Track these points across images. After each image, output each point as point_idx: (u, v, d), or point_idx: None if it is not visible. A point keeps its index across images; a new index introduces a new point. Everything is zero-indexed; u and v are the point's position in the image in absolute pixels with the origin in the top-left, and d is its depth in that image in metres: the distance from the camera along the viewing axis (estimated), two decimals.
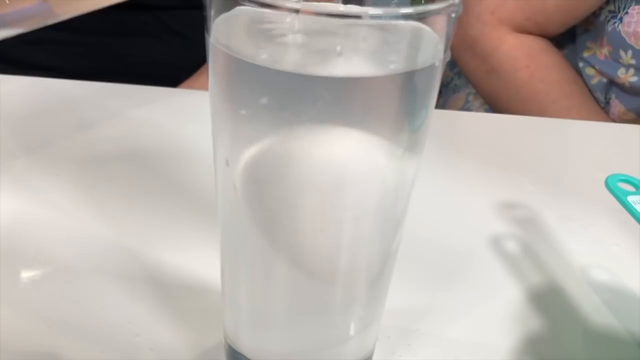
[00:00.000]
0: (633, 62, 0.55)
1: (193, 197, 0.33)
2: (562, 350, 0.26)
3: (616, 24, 0.54)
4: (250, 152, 0.18)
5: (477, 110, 0.65)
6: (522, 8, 0.57)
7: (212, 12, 0.17)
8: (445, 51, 0.18)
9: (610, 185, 0.28)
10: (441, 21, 0.17)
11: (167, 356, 0.23)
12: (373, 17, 0.16)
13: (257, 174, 0.18)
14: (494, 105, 0.62)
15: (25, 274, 0.28)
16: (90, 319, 0.25)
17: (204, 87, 0.37)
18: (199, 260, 0.28)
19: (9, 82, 0.45)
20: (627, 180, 0.28)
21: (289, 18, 0.17)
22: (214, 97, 0.18)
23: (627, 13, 0.54)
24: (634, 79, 0.56)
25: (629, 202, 0.27)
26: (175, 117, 0.42)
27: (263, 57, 0.17)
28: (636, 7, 0.53)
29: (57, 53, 0.63)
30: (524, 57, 0.58)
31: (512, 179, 0.38)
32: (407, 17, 0.16)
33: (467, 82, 0.66)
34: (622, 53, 0.55)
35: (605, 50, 0.57)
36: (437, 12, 0.16)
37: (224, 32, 0.17)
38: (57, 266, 0.28)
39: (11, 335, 0.24)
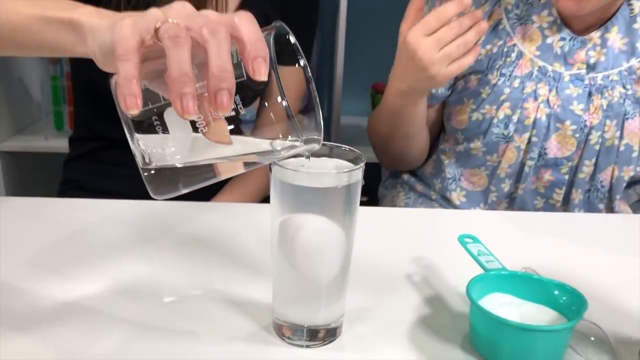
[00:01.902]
0: None
1: (252, 260, 0.56)
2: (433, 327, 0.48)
3: None
4: (277, 223, 0.42)
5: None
6: None
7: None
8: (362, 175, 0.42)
9: (459, 239, 0.52)
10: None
11: (245, 325, 0.46)
12: (338, 172, 0.41)
13: (281, 233, 0.42)
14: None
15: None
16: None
17: (231, 200, 0.63)
18: (262, 277, 0.51)
19: (92, 204, 0.70)
20: (468, 236, 0.52)
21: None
22: (272, 204, 0.43)
23: None
24: None
25: (464, 243, 0.51)
26: (217, 222, 0.66)
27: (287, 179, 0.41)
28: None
29: (121, 183, 0.80)
30: None
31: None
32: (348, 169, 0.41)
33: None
34: None
35: None
36: (358, 168, 0.41)
37: (278, 169, 0.42)
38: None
39: None
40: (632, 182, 0.80)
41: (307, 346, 0.44)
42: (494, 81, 0.76)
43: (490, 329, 0.43)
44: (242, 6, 0.80)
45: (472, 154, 0.79)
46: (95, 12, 0.42)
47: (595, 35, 0.74)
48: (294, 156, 0.41)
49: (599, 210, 0.79)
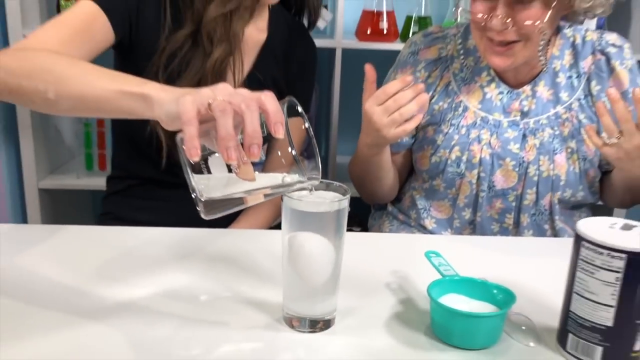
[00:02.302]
0: None
1: (265, 270, 0.71)
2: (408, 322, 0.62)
3: None
4: (286, 238, 0.57)
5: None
6: None
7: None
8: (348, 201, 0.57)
9: (425, 254, 0.67)
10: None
11: (262, 317, 0.60)
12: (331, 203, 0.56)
13: (289, 246, 0.57)
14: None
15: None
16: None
17: (245, 227, 0.80)
18: (274, 283, 0.65)
19: (132, 230, 0.85)
20: (433, 252, 0.67)
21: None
22: (282, 224, 0.58)
23: None
24: None
25: (430, 258, 0.66)
26: (234, 247, 0.81)
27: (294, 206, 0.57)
28: None
29: (153, 214, 0.94)
30: None
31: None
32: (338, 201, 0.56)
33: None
34: None
35: None
36: (346, 198, 0.56)
37: (288, 199, 0.57)
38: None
39: None
40: (577, 207, 0.95)
41: (309, 332, 0.58)
42: (446, 130, 0.92)
43: (445, 317, 0.57)
44: (254, 68, 0.96)
45: (436, 189, 0.94)
46: (160, 87, 0.58)
47: (527, 88, 0.91)
48: (300, 189, 0.56)
49: (544, 230, 0.94)
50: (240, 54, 0.90)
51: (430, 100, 0.93)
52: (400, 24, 1.45)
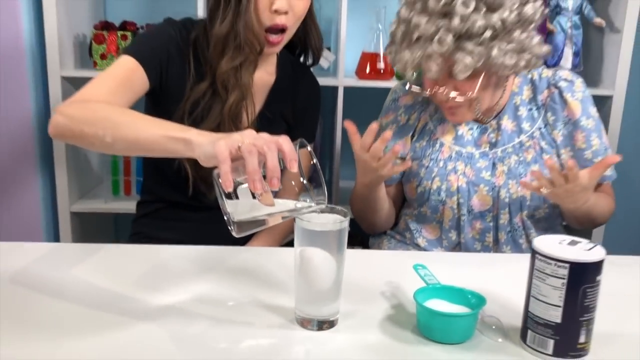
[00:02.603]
0: None
1: (279, 283, 0.83)
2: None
3: None
4: (297, 252, 0.70)
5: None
6: None
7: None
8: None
9: (414, 267, 0.80)
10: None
11: (278, 319, 0.72)
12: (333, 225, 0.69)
13: (300, 258, 0.70)
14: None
15: None
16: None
17: (260, 245, 0.95)
18: (287, 291, 0.78)
19: (162, 248, 0.97)
20: (420, 265, 0.80)
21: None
22: (295, 240, 0.71)
23: None
24: None
25: (417, 270, 0.78)
26: (250, 264, 0.93)
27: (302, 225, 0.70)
28: None
29: (179, 233, 1.08)
30: None
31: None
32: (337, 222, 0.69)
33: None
34: None
35: None
36: (346, 220, 0.69)
37: (299, 220, 0.70)
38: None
39: None
40: (550, 223, 1.07)
41: (317, 330, 0.71)
42: (427, 164, 1.05)
43: (427, 317, 0.70)
44: (264, 108, 1.10)
45: (424, 215, 1.07)
46: (198, 132, 0.71)
47: (493, 122, 1.04)
48: (310, 212, 0.70)
49: (520, 244, 1.06)
50: (251, 97, 1.04)
51: (412, 138, 1.08)
52: None
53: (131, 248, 0.96)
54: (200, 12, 1.46)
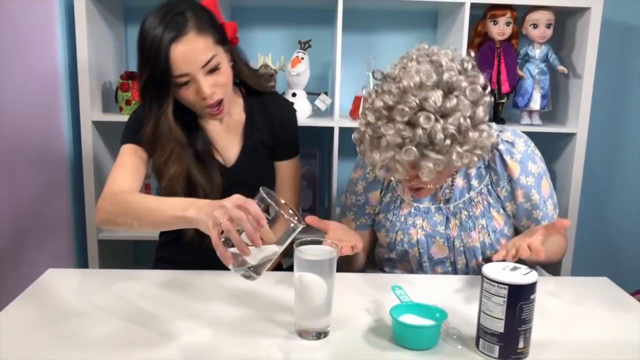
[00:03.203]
0: None
1: (280, 302, 1.00)
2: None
3: None
4: (296, 277, 0.86)
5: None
6: None
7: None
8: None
9: (392, 287, 0.96)
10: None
11: (281, 330, 0.89)
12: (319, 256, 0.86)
13: (296, 282, 0.87)
14: None
15: None
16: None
17: None
18: (288, 308, 0.94)
19: (181, 273, 1.15)
20: (397, 286, 0.96)
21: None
22: (294, 267, 0.88)
23: None
24: None
25: (394, 290, 0.95)
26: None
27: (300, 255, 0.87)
28: None
29: (196, 256, 1.21)
30: None
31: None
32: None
33: None
34: None
35: None
36: (335, 250, 0.87)
37: (298, 252, 0.87)
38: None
39: None
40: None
41: (313, 339, 0.87)
42: (391, 218, 1.16)
43: (400, 329, 0.86)
44: (244, 142, 1.23)
45: (394, 258, 1.20)
46: (196, 209, 0.90)
47: (448, 180, 1.14)
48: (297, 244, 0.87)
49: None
50: (223, 145, 1.22)
51: (381, 193, 1.19)
52: None
53: (155, 273, 1.13)
54: None
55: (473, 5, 1.64)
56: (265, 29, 1.91)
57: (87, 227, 1.71)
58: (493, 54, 1.71)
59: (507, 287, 0.80)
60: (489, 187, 1.14)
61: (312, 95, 1.76)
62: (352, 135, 1.06)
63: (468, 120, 0.94)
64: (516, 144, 1.11)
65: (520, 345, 0.81)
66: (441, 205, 1.16)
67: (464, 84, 0.95)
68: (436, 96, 0.92)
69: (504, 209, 1.14)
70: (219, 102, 1.13)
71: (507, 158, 1.11)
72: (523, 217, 1.15)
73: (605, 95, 1.94)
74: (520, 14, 1.73)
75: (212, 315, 0.94)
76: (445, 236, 1.15)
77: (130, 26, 1.88)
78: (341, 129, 1.70)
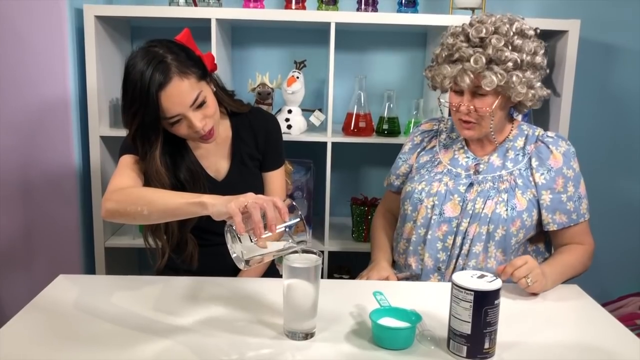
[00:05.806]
0: None
1: (270, 307, 1.08)
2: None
3: None
4: (285, 283, 0.94)
5: None
6: None
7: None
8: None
9: (373, 293, 1.04)
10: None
11: (271, 332, 0.96)
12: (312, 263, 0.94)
13: (285, 287, 0.94)
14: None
15: None
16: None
17: (248, 276, 1.24)
18: (277, 311, 1.02)
19: (183, 280, 1.22)
20: (378, 292, 1.04)
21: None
22: (283, 274, 0.95)
23: None
24: None
25: (375, 295, 1.02)
26: (243, 290, 1.18)
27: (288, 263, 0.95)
28: None
29: (191, 264, 1.34)
30: None
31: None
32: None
33: None
34: None
35: None
36: (319, 259, 0.94)
37: (286, 259, 0.95)
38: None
39: None
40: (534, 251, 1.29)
41: (300, 340, 0.94)
42: (423, 172, 1.32)
43: (379, 330, 0.93)
44: (232, 157, 1.30)
45: (405, 214, 1.31)
46: (211, 196, 0.97)
47: (486, 157, 1.28)
48: (294, 251, 0.95)
49: (496, 257, 1.22)
50: (216, 160, 1.30)
51: (420, 153, 1.38)
52: (375, 122, 1.87)
53: (156, 279, 1.21)
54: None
55: None
56: (263, 48, 2.00)
57: (95, 234, 1.79)
58: None
59: (473, 293, 0.87)
60: (523, 171, 1.24)
61: (307, 111, 1.84)
62: (423, 73, 1.33)
63: (529, 58, 1.17)
64: (561, 140, 1.26)
65: (486, 345, 0.89)
66: (471, 173, 1.28)
67: (531, 32, 1.20)
68: (507, 28, 1.17)
69: (539, 198, 1.23)
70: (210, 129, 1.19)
71: (552, 148, 1.24)
72: (556, 210, 1.23)
73: (584, 113, 2.01)
74: None
75: (206, 319, 1.01)
76: (463, 197, 1.24)
77: (136, 43, 1.97)
78: (334, 144, 1.79)
